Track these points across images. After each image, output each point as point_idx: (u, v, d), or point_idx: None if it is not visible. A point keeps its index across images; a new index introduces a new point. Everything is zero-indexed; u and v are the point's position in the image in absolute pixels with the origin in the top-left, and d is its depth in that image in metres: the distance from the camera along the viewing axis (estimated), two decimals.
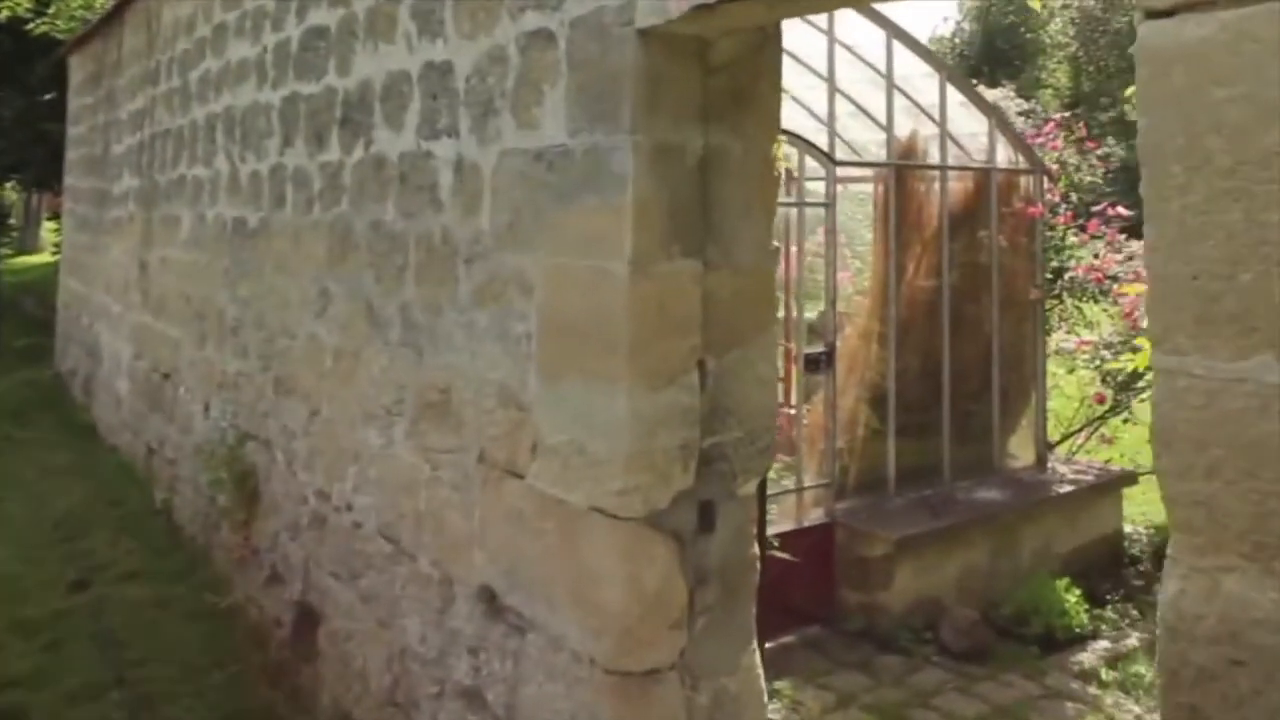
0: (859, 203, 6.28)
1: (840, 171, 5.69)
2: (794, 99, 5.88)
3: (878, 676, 4.76)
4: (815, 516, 5.14)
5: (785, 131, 4.11)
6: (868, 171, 6.25)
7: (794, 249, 5.55)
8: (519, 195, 2.86)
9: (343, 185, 4.08)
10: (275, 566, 4.64)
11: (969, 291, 6.25)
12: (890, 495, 5.55)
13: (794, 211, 5.52)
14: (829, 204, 5.49)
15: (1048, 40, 31.31)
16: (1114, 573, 6.10)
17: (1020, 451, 6.45)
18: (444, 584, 3.20)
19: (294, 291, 4.55)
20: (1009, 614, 5.23)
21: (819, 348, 5.31)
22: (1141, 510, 6.82)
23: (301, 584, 4.33)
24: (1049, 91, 29.22)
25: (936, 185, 6.04)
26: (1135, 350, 6.41)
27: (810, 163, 5.58)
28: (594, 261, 2.52)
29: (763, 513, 3.70)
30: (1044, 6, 27.84)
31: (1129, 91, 6.96)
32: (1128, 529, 6.66)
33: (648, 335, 2.42)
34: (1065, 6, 31.27)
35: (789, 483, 5.10)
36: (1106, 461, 6.90)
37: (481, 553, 2.99)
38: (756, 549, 2.65)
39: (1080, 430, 7.00)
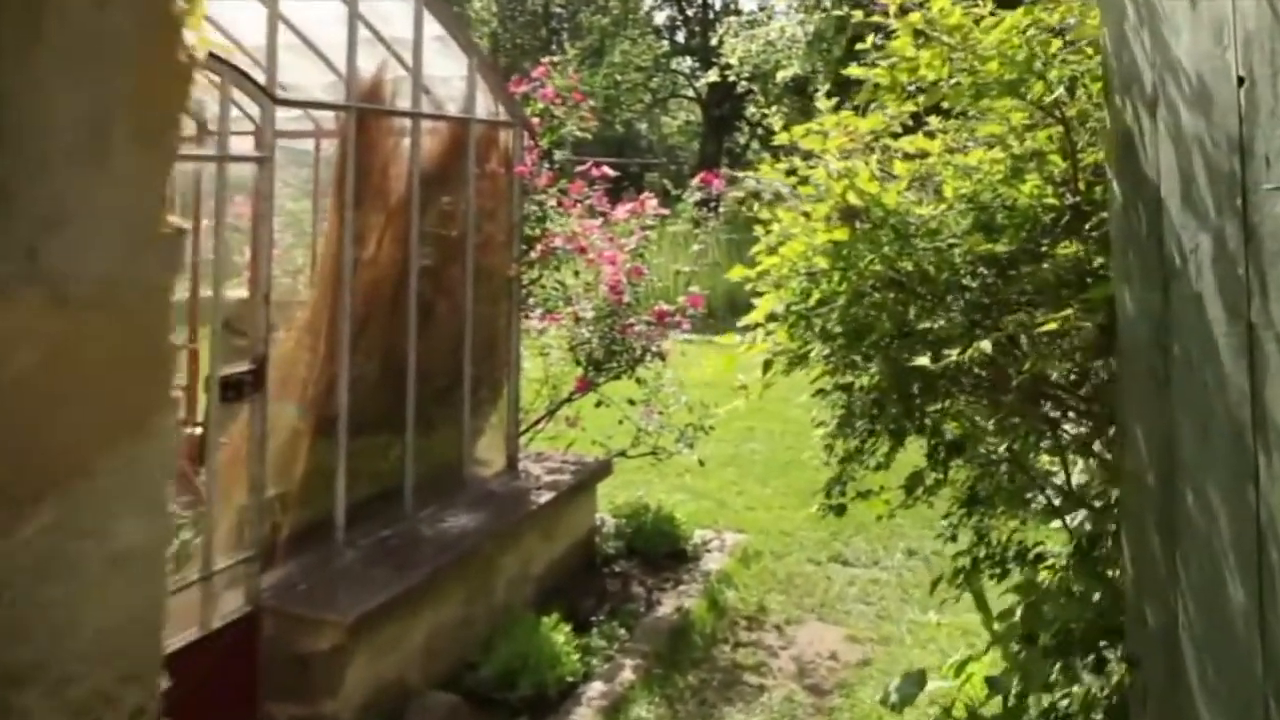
0: (299, 163, 4.83)
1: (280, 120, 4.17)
2: (213, 24, 4.25)
3: None
4: (231, 606, 3.74)
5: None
6: (314, 123, 4.81)
7: (206, 221, 3.97)
8: None
9: None
10: None
11: (441, 270, 5.16)
12: (340, 547, 4.33)
13: (210, 168, 3.92)
14: (265, 157, 3.97)
15: (473, 15, 31.61)
16: (592, 582, 5.57)
17: (491, 455, 5.61)
18: None
19: None
20: (492, 676, 4.36)
21: (241, 365, 3.84)
22: (603, 494, 6.43)
23: None
24: None
25: (407, 140, 4.79)
26: (615, 322, 5.88)
27: (238, 107, 4.00)
28: None
29: None
30: None
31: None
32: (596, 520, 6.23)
33: None
34: None
35: (193, 569, 3.62)
36: (569, 446, 6.36)
37: None
38: None
39: (543, 418, 6.37)
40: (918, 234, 2.55)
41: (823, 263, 2.64)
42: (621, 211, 6.03)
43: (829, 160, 2.79)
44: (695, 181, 6.48)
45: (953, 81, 2.46)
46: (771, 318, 2.92)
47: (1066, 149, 2.50)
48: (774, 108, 16.38)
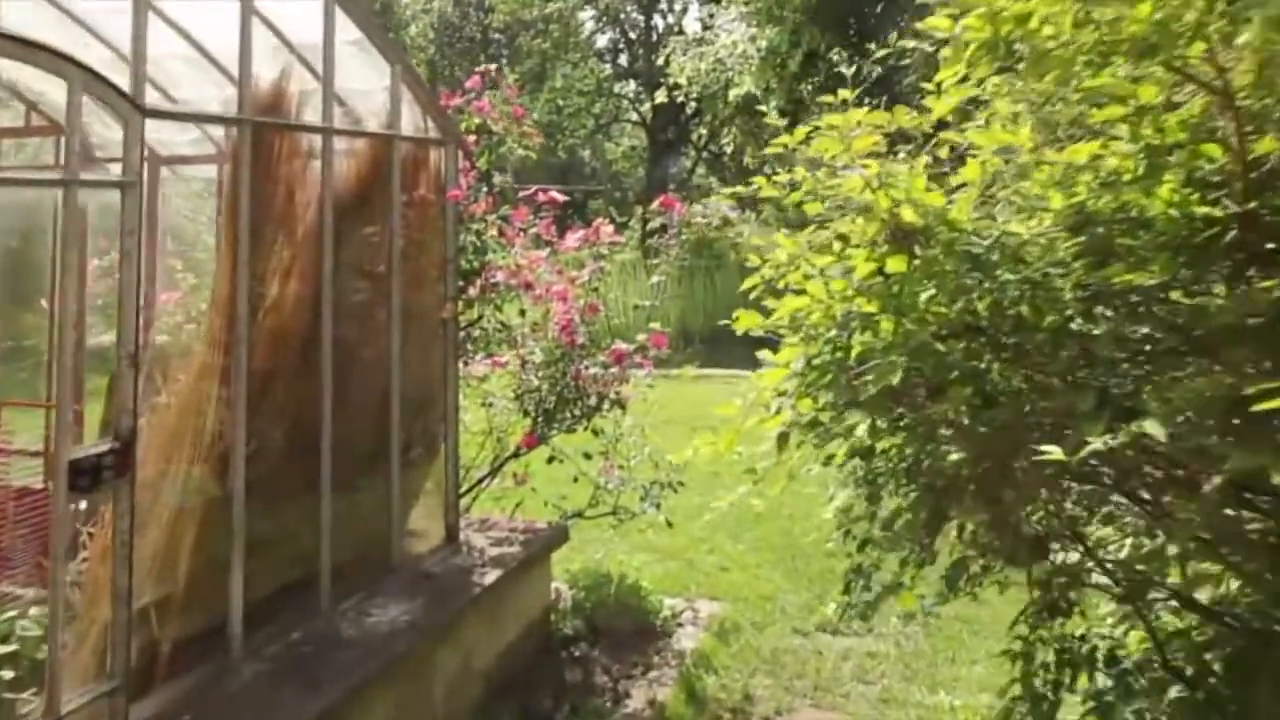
0: (200, 195, 4.07)
1: (163, 141, 3.41)
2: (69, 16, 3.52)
3: None
4: None
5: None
6: (208, 144, 4.03)
7: (95, 261, 3.17)
8: None
9: None
10: None
11: (363, 313, 4.39)
12: (237, 659, 3.51)
13: (59, 195, 3.11)
14: (128, 182, 3.17)
15: (409, 42, 31.09)
16: (549, 672, 4.78)
17: (426, 526, 4.81)
18: None
19: None
20: None
21: (102, 444, 3.02)
22: (557, 559, 5.66)
23: None
24: None
25: (318, 162, 4.02)
26: (567, 366, 5.13)
27: (100, 124, 3.23)
28: None
29: None
30: (405, 8, 27.92)
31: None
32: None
33: None
34: (426, 10, 31.48)
35: (33, 709, 2.79)
36: (516, 507, 5.58)
37: None
38: None
39: (487, 475, 5.59)
40: (1002, 260, 1.85)
41: (868, 305, 1.94)
42: (572, 240, 5.29)
43: (858, 167, 2.09)
44: (655, 205, 5.76)
45: (1063, 40, 1.77)
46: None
47: (1228, 136, 1.82)
48: (725, 129, 15.84)
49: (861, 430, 2.05)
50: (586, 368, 5.04)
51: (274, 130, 3.82)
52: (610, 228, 5.31)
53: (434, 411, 4.79)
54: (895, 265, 1.92)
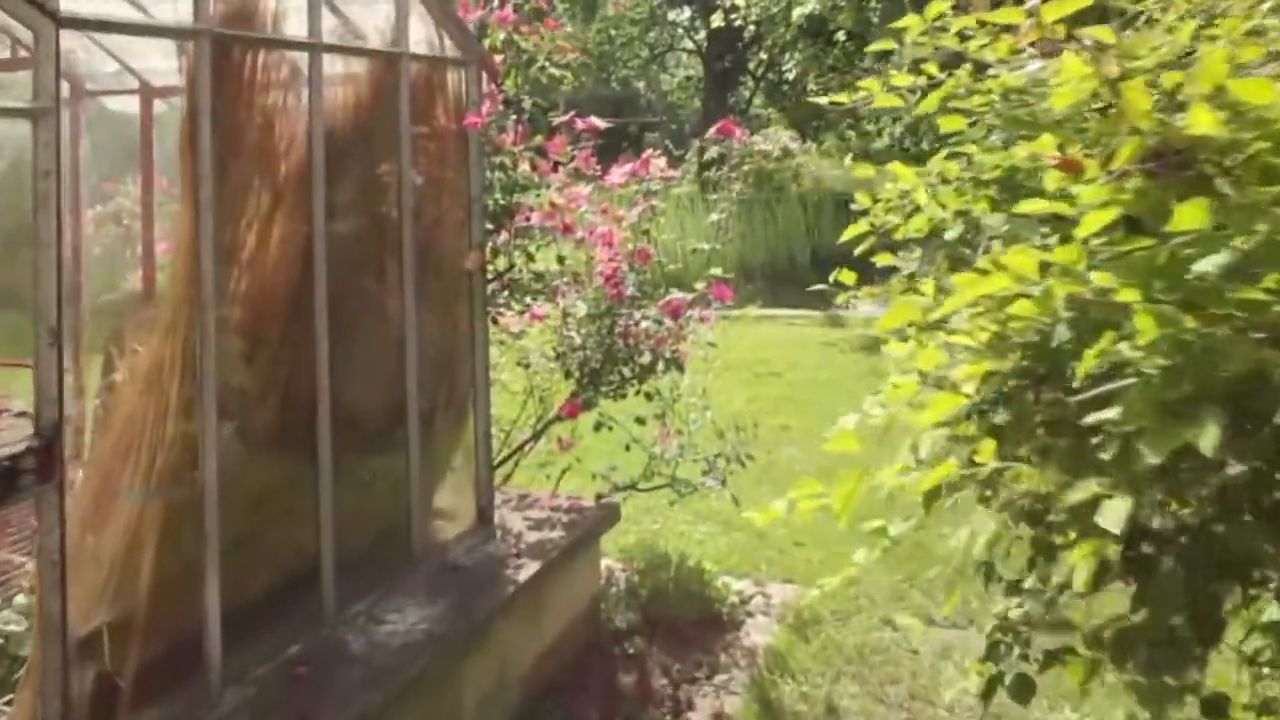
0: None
1: (155, 70, 2.75)
2: None
3: None
4: None
5: None
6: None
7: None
8: None
9: None
10: None
11: (368, 266, 3.72)
12: (215, 688, 2.91)
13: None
14: (44, 110, 2.51)
15: None
16: (600, 672, 4.16)
17: (455, 505, 4.18)
18: None
19: None
20: None
21: (19, 443, 2.40)
22: (608, 536, 5.00)
23: None
24: None
25: (306, 86, 3.32)
26: (614, 321, 4.41)
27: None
28: None
29: None
30: None
31: None
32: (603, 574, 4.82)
33: None
34: None
35: None
36: (561, 477, 4.90)
37: None
38: None
39: (528, 441, 4.94)
40: None
41: (1120, 289, 1.14)
42: (617, 175, 4.54)
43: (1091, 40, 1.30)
44: (711, 133, 4.96)
45: None
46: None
47: None
48: (787, 55, 14.79)
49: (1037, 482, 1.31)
50: (637, 322, 4.32)
51: (244, 45, 3.12)
52: (662, 160, 4.53)
53: (460, 375, 4.13)
54: (1188, 216, 1.10)
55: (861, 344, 11.90)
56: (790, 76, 20.46)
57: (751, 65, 29.25)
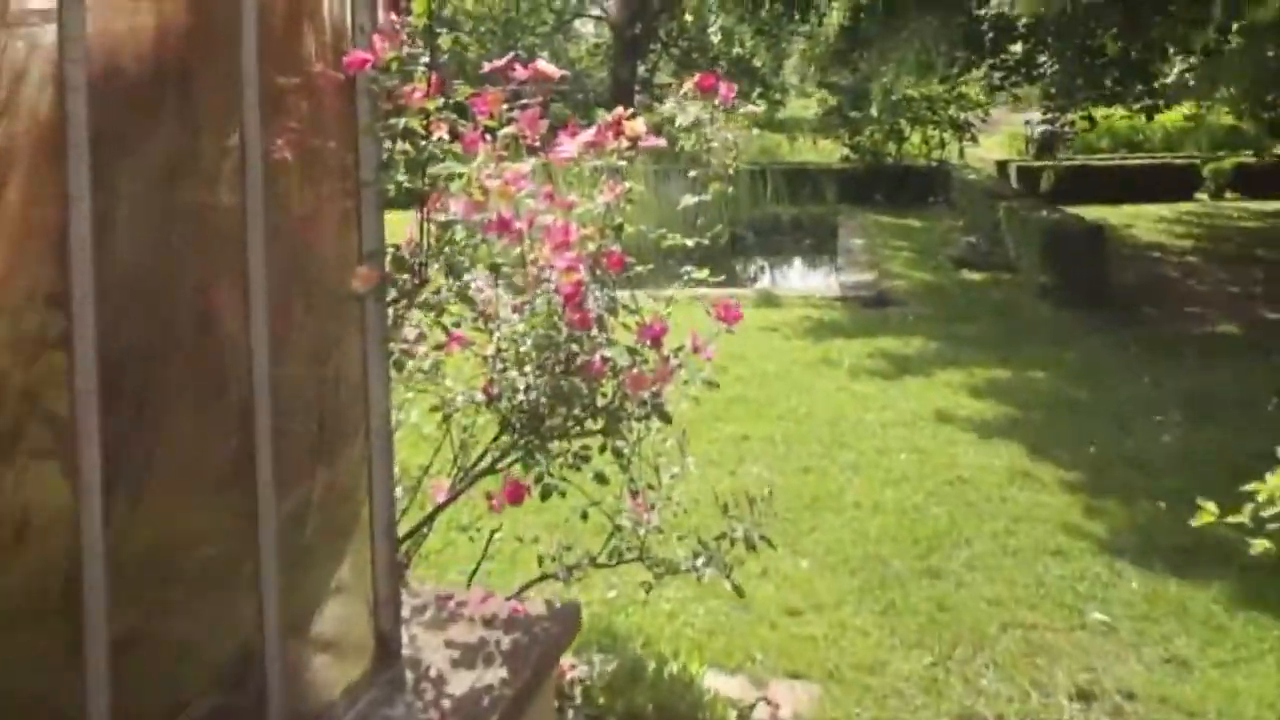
0: None
1: None
2: None
3: None
4: None
5: None
6: None
7: None
8: None
9: None
10: None
11: (178, 288, 2.32)
12: None
13: None
14: None
15: None
16: None
17: (342, 640, 2.82)
18: None
19: None
20: None
21: None
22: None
23: None
24: None
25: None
26: (571, 353, 3.10)
27: None
28: None
29: None
30: None
31: None
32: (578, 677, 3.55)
33: None
34: None
35: None
36: (492, 541, 3.61)
37: None
38: None
39: (447, 503, 3.62)
40: None
41: None
42: (570, 147, 3.18)
43: None
44: (689, 86, 3.63)
45: None
46: None
47: None
48: (714, 17, 13.57)
49: None
50: (605, 359, 3.02)
51: None
52: (642, 124, 3.20)
53: (346, 451, 2.77)
54: None
55: (805, 328, 10.86)
56: (715, 40, 19.30)
57: (662, 32, 28.15)
